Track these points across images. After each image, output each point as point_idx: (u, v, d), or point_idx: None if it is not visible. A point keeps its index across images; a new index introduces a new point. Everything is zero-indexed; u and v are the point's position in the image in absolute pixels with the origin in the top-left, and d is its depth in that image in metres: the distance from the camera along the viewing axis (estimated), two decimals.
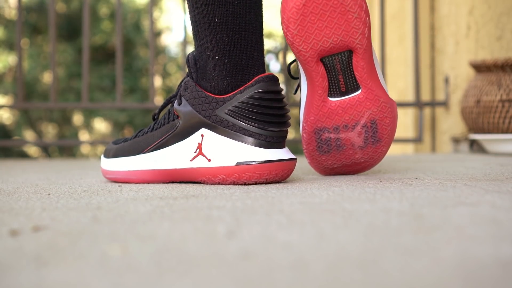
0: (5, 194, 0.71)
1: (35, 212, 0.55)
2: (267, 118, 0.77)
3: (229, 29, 0.78)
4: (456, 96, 1.89)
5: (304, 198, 0.61)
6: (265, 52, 0.82)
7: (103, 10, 5.73)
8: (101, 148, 5.54)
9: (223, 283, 0.31)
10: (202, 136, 0.79)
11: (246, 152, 0.77)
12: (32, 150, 5.38)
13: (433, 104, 1.96)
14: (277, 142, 0.78)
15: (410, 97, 2.19)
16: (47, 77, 5.40)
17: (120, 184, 0.83)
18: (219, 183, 0.79)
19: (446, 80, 1.94)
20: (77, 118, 5.77)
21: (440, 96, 2.04)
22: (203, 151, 0.79)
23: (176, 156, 0.81)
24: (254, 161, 0.76)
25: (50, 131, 5.75)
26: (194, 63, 0.80)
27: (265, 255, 0.36)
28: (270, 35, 5.89)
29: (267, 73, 0.79)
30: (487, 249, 0.37)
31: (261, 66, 0.80)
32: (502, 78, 1.47)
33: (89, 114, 5.61)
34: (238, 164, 0.77)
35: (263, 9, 0.82)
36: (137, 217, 0.51)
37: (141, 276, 0.33)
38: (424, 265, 0.34)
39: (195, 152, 0.79)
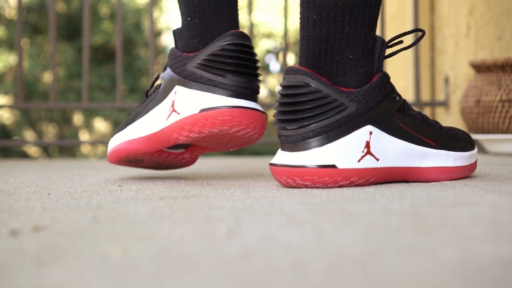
0: (5, 194, 0.71)
1: (35, 212, 0.55)
2: (233, 68, 0.78)
3: None
4: (456, 96, 1.89)
5: (304, 198, 0.61)
6: (238, 12, 0.83)
7: (104, 10, 5.73)
8: (101, 148, 5.54)
9: (223, 283, 0.31)
10: (175, 93, 0.80)
11: (210, 100, 0.77)
12: (32, 150, 5.38)
13: (433, 104, 1.96)
14: (243, 92, 0.77)
15: (410, 97, 2.19)
16: (47, 77, 5.40)
17: (120, 184, 0.83)
18: (189, 137, 0.78)
19: (446, 80, 1.94)
20: (77, 118, 5.77)
21: (440, 96, 2.04)
22: (175, 107, 0.79)
23: (155, 118, 0.83)
24: (216, 107, 0.76)
25: (50, 131, 5.75)
26: (178, 33, 0.83)
27: (265, 255, 0.36)
28: (270, 35, 5.89)
29: (238, 30, 0.80)
30: (487, 249, 0.37)
31: (233, 25, 0.82)
32: (502, 78, 1.47)
33: (89, 114, 5.61)
34: (201, 111, 0.76)
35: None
36: (137, 217, 0.51)
37: (141, 276, 0.33)
38: (424, 265, 0.34)
39: (169, 110, 0.80)
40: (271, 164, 0.72)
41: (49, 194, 0.70)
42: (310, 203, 0.57)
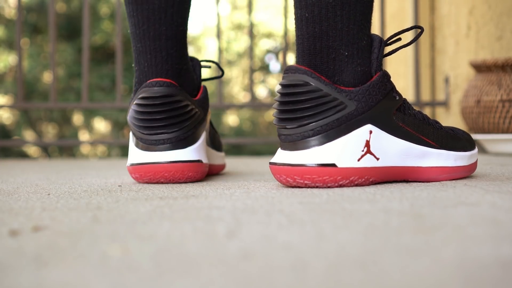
0: (5, 194, 0.71)
1: (35, 212, 0.55)
2: (143, 123, 0.81)
3: (135, 39, 0.84)
4: (456, 96, 1.89)
5: (304, 198, 0.61)
6: (174, 56, 0.85)
7: (104, 10, 5.73)
8: (101, 148, 5.54)
9: (223, 283, 0.31)
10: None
11: (131, 155, 0.83)
12: (32, 150, 5.38)
13: (433, 104, 1.96)
14: (156, 145, 0.81)
15: (410, 97, 2.19)
16: (47, 77, 5.39)
17: (120, 184, 0.83)
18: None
19: (446, 80, 1.94)
20: (77, 118, 5.77)
21: (440, 96, 2.04)
22: None
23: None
24: (133, 163, 0.82)
25: (50, 131, 5.75)
26: None
27: (265, 255, 0.36)
28: (270, 35, 5.89)
29: (157, 78, 0.81)
30: (487, 249, 0.37)
31: (161, 72, 0.83)
32: (502, 78, 1.47)
33: (89, 114, 5.60)
34: (128, 165, 0.83)
35: (172, 16, 0.84)
36: (137, 217, 0.51)
37: (141, 276, 0.33)
38: (424, 265, 0.34)
39: None
40: (271, 163, 0.72)
41: (49, 194, 0.70)
42: (310, 203, 0.57)
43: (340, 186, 0.70)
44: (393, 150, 0.73)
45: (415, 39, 0.75)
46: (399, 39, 0.76)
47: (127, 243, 0.41)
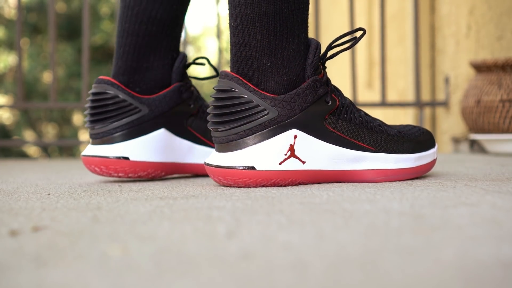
0: (5, 194, 0.71)
1: (34, 212, 0.55)
2: (90, 118, 0.86)
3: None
4: (457, 96, 1.89)
5: (304, 198, 0.61)
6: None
7: (104, 10, 5.73)
8: None
9: (223, 283, 0.31)
10: None
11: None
12: (32, 150, 5.38)
13: (433, 104, 1.96)
14: (93, 138, 0.86)
15: (410, 97, 2.19)
16: (47, 77, 5.39)
17: (120, 184, 0.83)
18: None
19: (447, 80, 1.94)
20: (77, 118, 5.77)
21: (440, 96, 2.04)
22: None
23: None
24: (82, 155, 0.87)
25: (50, 131, 5.75)
26: None
27: (265, 255, 0.36)
28: None
29: (102, 77, 0.86)
30: (487, 250, 0.37)
31: (115, 68, 0.89)
32: (502, 78, 1.47)
33: None
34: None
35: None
36: (137, 217, 0.51)
37: (141, 276, 0.33)
38: (424, 265, 0.34)
39: None
40: (204, 163, 0.76)
41: (48, 194, 0.70)
42: (310, 203, 0.57)
43: (263, 186, 0.73)
44: (322, 154, 0.74)
45: (357, 41, 0.76)
46: (347, 39, 0.77)
47: (127, 243, 0.40)
